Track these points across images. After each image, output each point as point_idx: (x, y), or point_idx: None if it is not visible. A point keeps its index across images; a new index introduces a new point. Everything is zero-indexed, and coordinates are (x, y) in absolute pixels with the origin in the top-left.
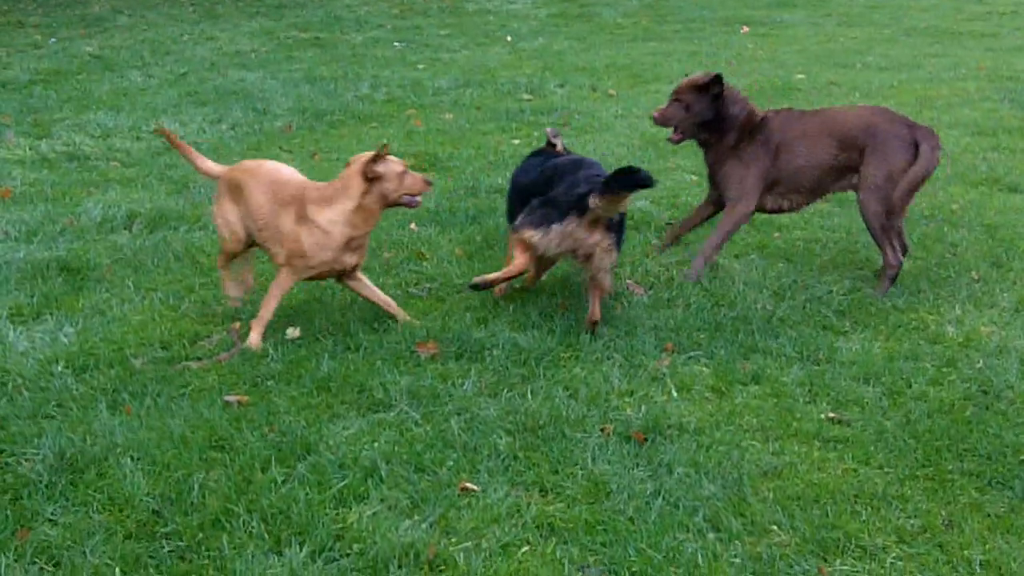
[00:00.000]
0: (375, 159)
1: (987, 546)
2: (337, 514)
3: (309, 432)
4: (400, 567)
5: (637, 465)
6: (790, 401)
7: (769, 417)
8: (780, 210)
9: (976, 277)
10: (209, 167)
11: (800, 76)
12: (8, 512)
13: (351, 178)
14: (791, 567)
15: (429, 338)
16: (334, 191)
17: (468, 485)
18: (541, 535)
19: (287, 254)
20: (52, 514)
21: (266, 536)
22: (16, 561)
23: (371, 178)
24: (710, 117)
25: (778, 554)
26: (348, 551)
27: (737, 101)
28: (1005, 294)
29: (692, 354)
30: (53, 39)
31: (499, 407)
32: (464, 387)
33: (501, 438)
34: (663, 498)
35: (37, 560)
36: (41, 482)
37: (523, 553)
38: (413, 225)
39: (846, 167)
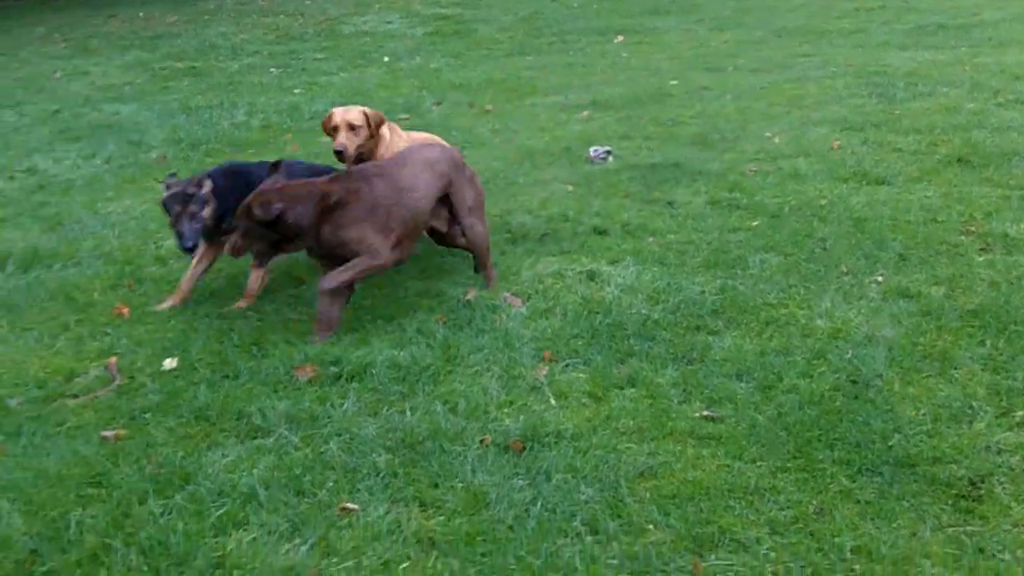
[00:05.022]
0: None
1: (857, 531)
2: (216, 542)
3: (187, 462)
4: None
5: (516, 474)
6: (665, 402)
7: (644, 419)
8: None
9: (845, 270)
10: None
11: (673, 82)
12: None
13: None
14: (666, 564)
15: (307, 361)
16: None
17: (348, 505)
18: (422, 550)
19: None
20: None
21: (145, 568)
22: None
23: None
24: None
25: (654, 552)
26: None
27: None
28: (873, 285)
29: (569, 362)
30: None
31: (378, 425)
32: (343, 408)
33: (381, 456)
34: (541, 505)
35: None
36: None
37: (403, 569)
38: None
39: None
